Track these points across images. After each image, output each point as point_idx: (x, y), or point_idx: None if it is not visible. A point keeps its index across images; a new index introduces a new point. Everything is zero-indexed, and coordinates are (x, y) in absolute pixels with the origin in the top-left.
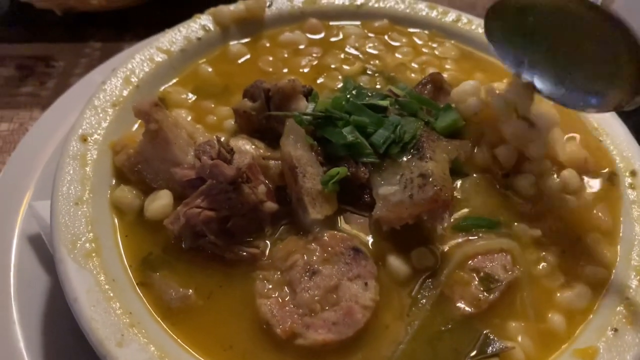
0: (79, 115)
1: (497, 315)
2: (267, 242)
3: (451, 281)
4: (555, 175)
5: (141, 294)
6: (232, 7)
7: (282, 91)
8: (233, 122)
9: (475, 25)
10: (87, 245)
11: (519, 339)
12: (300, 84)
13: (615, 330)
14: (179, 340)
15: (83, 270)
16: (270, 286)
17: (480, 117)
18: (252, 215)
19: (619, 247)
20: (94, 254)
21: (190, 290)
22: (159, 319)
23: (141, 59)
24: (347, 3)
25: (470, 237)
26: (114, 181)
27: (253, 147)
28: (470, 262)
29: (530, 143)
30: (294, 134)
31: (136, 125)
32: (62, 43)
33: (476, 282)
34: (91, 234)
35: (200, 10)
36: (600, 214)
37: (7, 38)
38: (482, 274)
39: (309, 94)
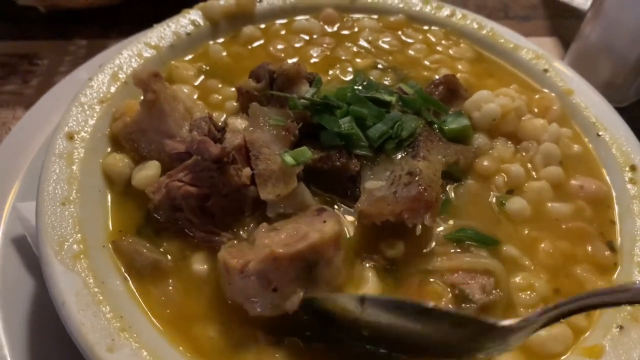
0: (65, 112)
1: None
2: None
3: (424, 291)
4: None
5: (136, 294)
6: (222, 1)
7: (286, 74)
8: (235, 103)
9: (470, 20)
10: (75, 246)
11: None
12: (305, 69)
13: (621, 327)
14: (172, 344)
15: (71, 273)
16: (235, 245)
17: (498, 127)
18: (234, 197)
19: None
20: (82, 256)
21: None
22: (151, 321)
23: (129, 54)
24: None
25: (459, 250)
26: (102, 181)
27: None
28: (450, 275)
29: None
30: (254, 117)
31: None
32: (46, 41)
33: (449, 297)
34: (79, 235)
35: (187, 6)
36: (598, 243)
37: None
38: (457, 291)
39: (312, 80)
